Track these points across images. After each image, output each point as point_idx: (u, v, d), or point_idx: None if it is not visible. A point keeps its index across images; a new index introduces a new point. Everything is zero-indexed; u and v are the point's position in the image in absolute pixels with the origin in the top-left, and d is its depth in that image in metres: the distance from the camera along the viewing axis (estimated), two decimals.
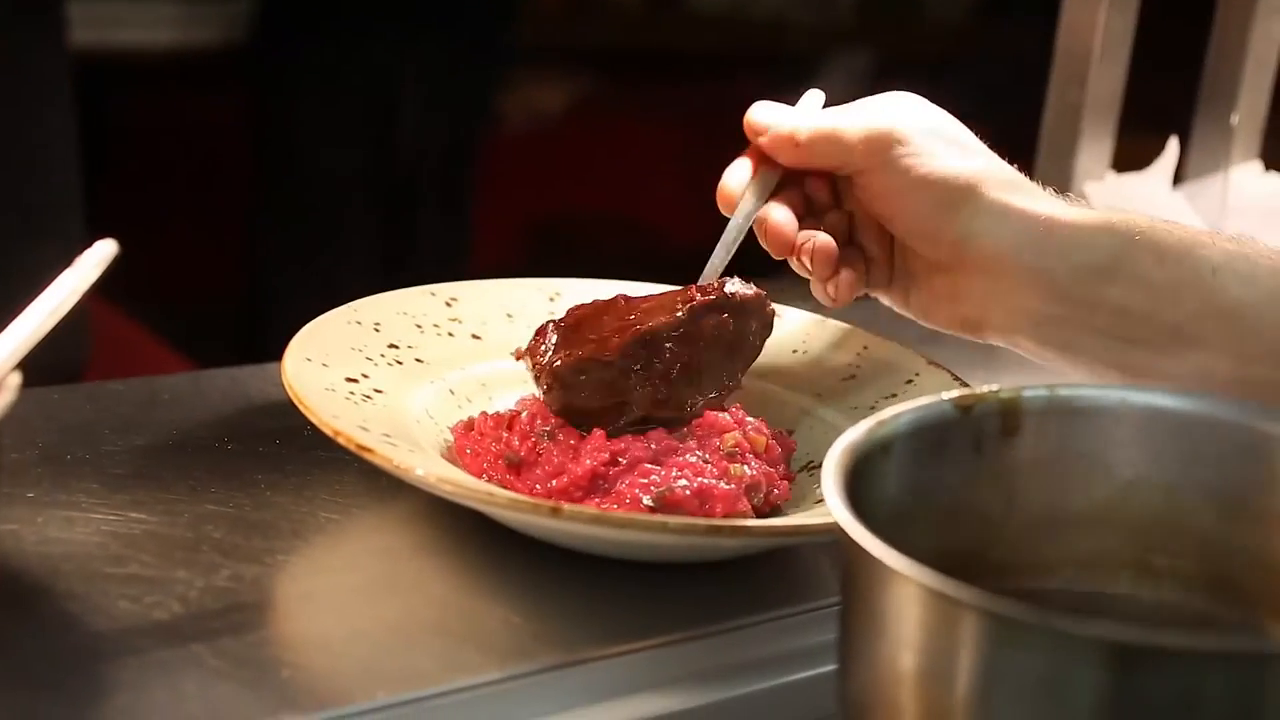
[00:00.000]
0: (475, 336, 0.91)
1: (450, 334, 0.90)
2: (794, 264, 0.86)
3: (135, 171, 2.71)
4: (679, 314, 0.80)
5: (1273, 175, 1.30)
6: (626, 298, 0.84)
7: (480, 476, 0.78)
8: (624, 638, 0.70)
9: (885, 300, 0.89)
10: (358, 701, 0.64)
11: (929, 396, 0.63)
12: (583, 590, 0.74)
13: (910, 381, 0.89)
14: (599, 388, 0.78)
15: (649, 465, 0.78)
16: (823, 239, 0.84)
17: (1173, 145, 1.28)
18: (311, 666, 0.67)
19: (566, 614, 0.72)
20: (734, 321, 0.81)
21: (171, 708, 0.62)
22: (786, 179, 0.86)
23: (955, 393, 0.64)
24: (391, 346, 0.87)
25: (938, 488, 0.63)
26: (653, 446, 0.79)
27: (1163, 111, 1.35)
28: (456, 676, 0.66)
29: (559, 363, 0.79)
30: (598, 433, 0.78)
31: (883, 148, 0.82)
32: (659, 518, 0.72)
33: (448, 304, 0.92)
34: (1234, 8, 1.27)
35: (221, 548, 0.74)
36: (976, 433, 0.63)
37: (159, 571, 0.71)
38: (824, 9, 3.34)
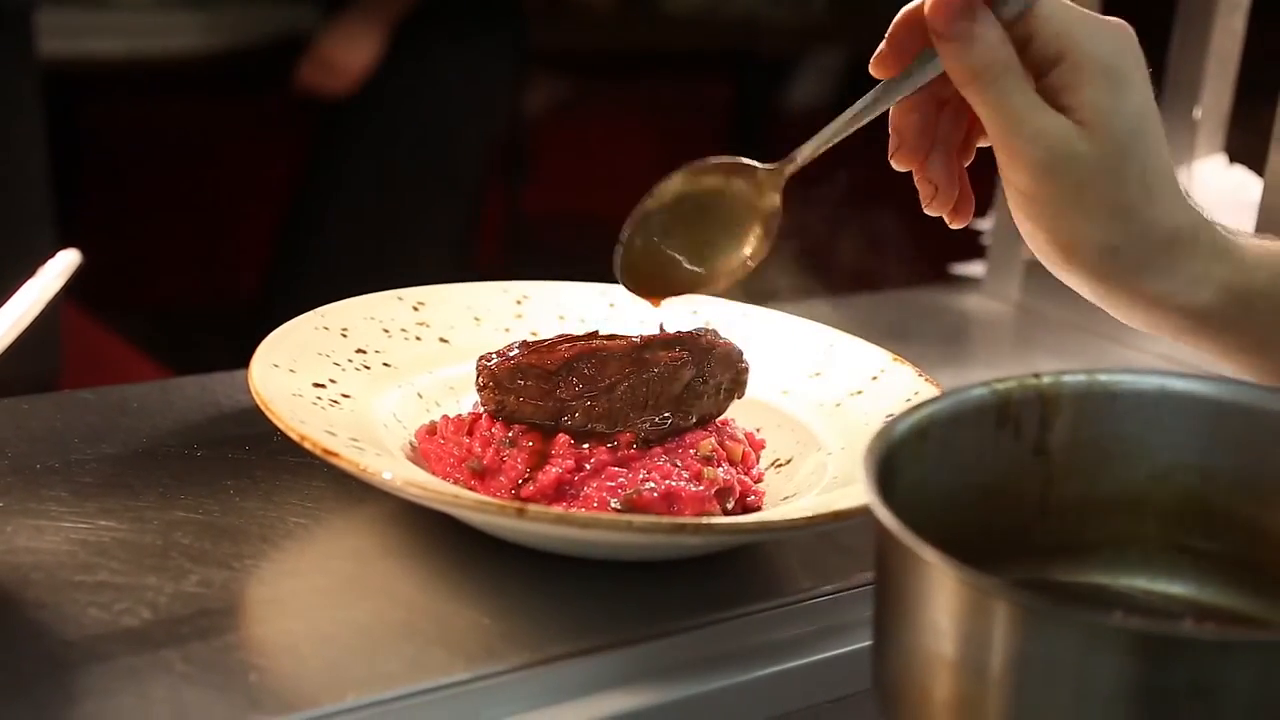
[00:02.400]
0: (443, 340, 0.92)
1: (418, 338, 0.91)
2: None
3: (111, 180, 2.71)
4: (634, 339, 0.81)
5: (1237, 168, 1.31)
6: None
7: (447, 479, 0.79)
8: (591, 636, 0.71)
9: None
10: (326, 704, 0.64)
11: (968, 384, 0.64)
12: (550, 590, 0.74)
13: (875, 378, 0.90)
14: (534, 394, 0.79)
15: (616, 469, 0.79)
16: (945, 192, 0.79)
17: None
18: (280, 670, 0.67)
19: (534, 614, 0.72)
20: (693, 362, 0.82)
21: (140, 713, 0.62)
22: None
23: (996, 380, 0.64)
24: (359, 351, 0.87)
25: (976, 472, 0.64)
26: (619, 453, 0.80)
27: None
28: (424, 678, 0.67)
29: (498, 364, 0.80)
30: (562, 438, 0.79)
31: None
32: (624, 517, 0.72)
33: (415, 308, 0.93)
34: (1195, 3, 1.28)
35: (190, 554, 0.74)
36: (1016, 419, 0.64)
37: (128, 579, 0.72)
38: (796, 6, 3.35)
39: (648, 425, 0.81)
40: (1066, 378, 0.65)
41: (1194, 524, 0.66)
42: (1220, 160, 1.31)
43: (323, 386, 0.82)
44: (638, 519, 0.71)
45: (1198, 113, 1.28)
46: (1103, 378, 0.65)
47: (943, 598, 0.53)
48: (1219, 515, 0.65)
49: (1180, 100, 1.29)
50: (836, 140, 0.77)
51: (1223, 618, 0.64)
